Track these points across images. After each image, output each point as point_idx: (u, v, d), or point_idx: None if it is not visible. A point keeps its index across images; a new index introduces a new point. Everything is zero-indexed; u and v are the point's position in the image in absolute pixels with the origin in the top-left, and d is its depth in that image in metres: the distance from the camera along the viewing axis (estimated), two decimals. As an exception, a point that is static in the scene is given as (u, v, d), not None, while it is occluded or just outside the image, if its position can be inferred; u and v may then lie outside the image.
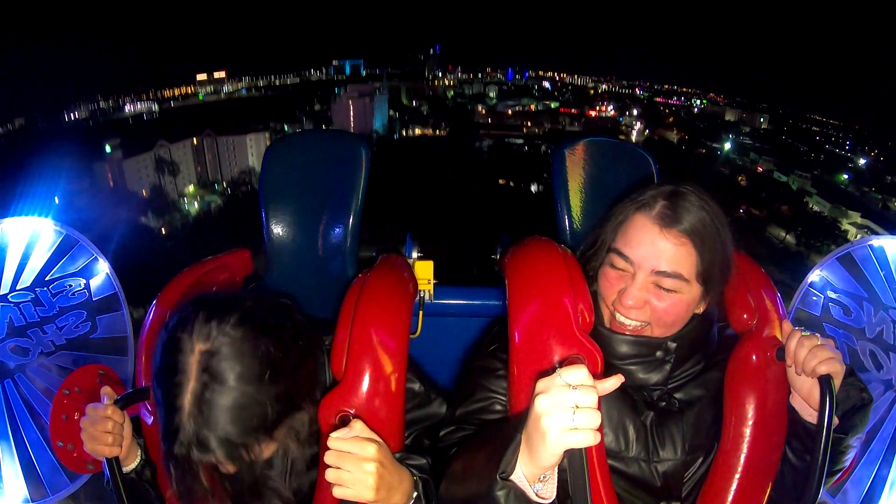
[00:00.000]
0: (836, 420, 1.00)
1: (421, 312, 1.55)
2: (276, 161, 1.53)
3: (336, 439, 0.89)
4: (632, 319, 1.03)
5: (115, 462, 1.07)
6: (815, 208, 45.66)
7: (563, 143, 1.46)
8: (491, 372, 1.10)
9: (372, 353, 1.02)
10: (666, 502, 1.07)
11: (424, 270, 1.59)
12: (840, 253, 1.51)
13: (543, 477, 0.80)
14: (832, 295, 1.49)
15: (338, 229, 1.45)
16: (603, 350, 1.04)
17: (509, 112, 74.88)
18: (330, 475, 0.88)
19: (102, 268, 1.60)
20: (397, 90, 79.92)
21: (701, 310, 1.07)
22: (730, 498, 1.03)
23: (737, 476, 1.03)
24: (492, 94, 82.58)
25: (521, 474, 0.80)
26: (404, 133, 67.46)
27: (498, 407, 1.08)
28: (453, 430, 1.08)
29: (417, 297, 1.38)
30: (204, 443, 0.87)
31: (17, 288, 1.53)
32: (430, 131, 67.76)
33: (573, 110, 74.57)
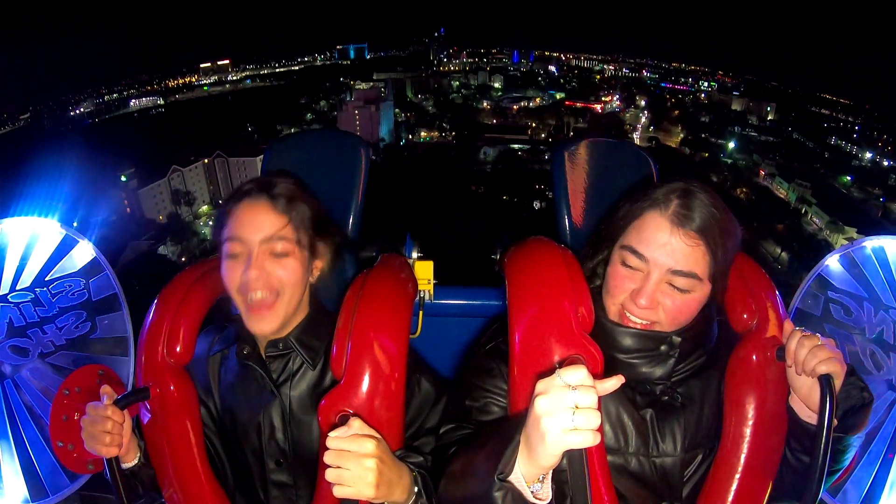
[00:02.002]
0: (835, 420, 0.99)
1: (421, 312, 1.56)
2: (276, 161, 1.53)
3: (334, 438, 0.89)
4: (643, 318, 1.03)
5: (114, 461, 1.07)
6: (815, 220, 45.47)
7: (563, 144, 1.46)
8: (487, 371, 1.10)
9: (372, 352, 1.02)
10: (668, 502, 1.07)
11: (424, 270, 1.59)
12: (840, 252, 1.51)
13: (541, 478, 0.80)
14: (832, 295, 1.49)
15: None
16: (607, 343, 1.04)
17: (514, 108, 74.28)
18: (330, 475, 0.88)
19: (102, 268, 1.60)
20: (402, 83, 79.76)
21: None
22: (730, 498, 1.03)
23: (737, 476, 1.03)
24: (497, 85, 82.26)
25: (520, 475, 0.80)
26: (411, 137, 67.17)
27: (495, 407, 1.08)
28: (452, 429, 1.08)
29: (417, 297, 1.38)
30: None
31: (17, 288, 1.53)
32: (436, 134, 67.44)
33: (578, 104, 73.59)
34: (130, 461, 1.17)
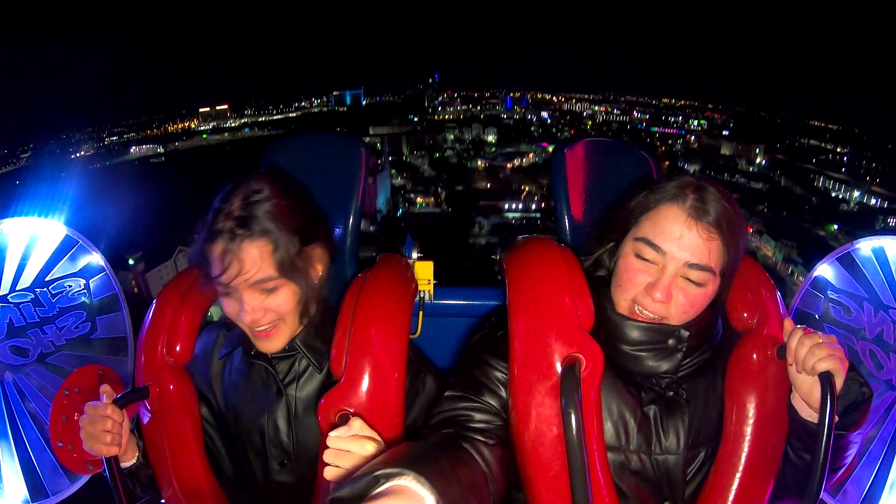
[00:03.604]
0: (836, 417, 1.00)
1: (421, 312, 1.55)
2: (276, 161, 1.53)
3: (335, 437, 0.89)
4: (656, 313, 1.03)
5: (114, 461, 1.08)
6: (800, 279, 45.72)
7: (563, 144, 1.46)
8: (492, 349, 1.09)
9: (372, 352, 1.02)
10: (670, 501, 1.07)
11: (424, 270, 1.59)
12: (840, 253, 1.51)
13: None
14: (832, 295, 1.49)
15: (337, 229, 1.45)
16: (614, 335, 1.04)
17: (508, 167, 75.39)
18: (328, 473, 0.88)
19: (102, 268, 1.60)
20: (398, 140, 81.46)
21: None
22: (731, 497, 1.03)
23: (738, 475, 1.03)
24: (491, 139, 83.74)
25: None
26: (407, 206, 67.38)
27: (499, 382, 1.05)
28: (456, 397, 1.05)
29: (417, 297, 1.38)
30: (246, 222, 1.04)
31: (17, 288, 1.53)
32: (431, 200, 67.81)
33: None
34: (129, 461, 1.18)
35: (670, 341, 1.04)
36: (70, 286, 1.57)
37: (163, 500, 1.22)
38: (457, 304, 1.70)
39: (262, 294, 1.08)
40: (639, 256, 1.03)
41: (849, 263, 1.49)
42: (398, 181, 70.82)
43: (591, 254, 1.15)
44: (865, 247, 1.49)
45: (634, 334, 1.04)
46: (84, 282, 1.58)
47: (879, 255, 1.47)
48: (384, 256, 1.27)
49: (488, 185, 70.85)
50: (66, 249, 1.58)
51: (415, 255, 1.57)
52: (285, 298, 1.10)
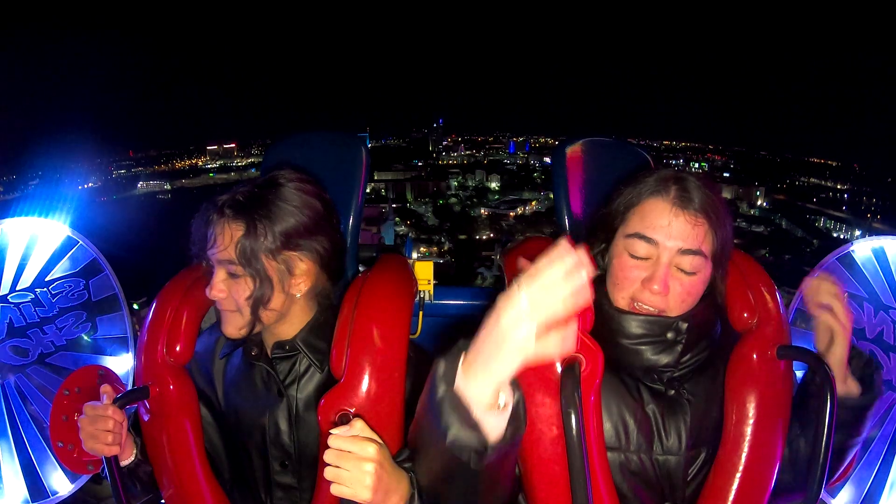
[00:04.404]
0: (856, 393, 1.04)
1: (421, 313, 1.55)
2: (276, 161, 1.53)
3: (336, 437, 0.89)
4: (655, 306, 1.03)
5: (114, 461, 1.08)
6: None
7: (563, 143, 1.46)
8: None
9: (372, 352, 1.02)
10: (670, 502, 1.07)
11: (424, 271, 1.59)
12: (840, 253, 1.51)
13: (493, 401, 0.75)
14: (832, 295, 1.49)
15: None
16: (613, 330, 1.04)
17: (511, 215, 75.50)
18: (328, 473, 0.88)
19: (102, 268, 1.60)
20: (403, 187, 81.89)
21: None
22: (731, 497, 1.02)
23: (738, 475, 1.03)
24: (494, 186, 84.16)
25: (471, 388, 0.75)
26: (413, 257, 67.19)
27: None
28: None
29: (417, 298, 1.38)
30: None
31: (17, 288, 1.53)
32: (435, 249, 67.49)
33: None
34: (127, 458, 1.17)
35: (669, 334, 1.04)
36: (70, 286, 1.57)
37: (163, 501, 1.22)
38: (457, 304, 1.70)
39: (226, 276, 1.11)
40: (632, 254, 1.04)
41: (849, 263, 1.49)
42: (402, 229, 70.74)
43: None
44: (865, 247, 1.49)
45: (633, 328, 1.04)
46: (84, 282, 1.58)
47: (879, 255, 1.47)
48: (384, 256, 1.27)
49: (491, 235, 70.58)
50: (66, 249, 1.58)
51: (415, 255, 1.57)
52: (240, 289, 1.10)
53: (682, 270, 1.02)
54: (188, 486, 1.16)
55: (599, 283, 1.11)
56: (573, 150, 1.41)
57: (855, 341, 1.44)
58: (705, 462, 1.08)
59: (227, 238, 1.09)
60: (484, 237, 70.23)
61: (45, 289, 1.55)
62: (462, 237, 70.02)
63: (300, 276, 1.14)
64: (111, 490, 1.08)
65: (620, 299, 1.06)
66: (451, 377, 0.76)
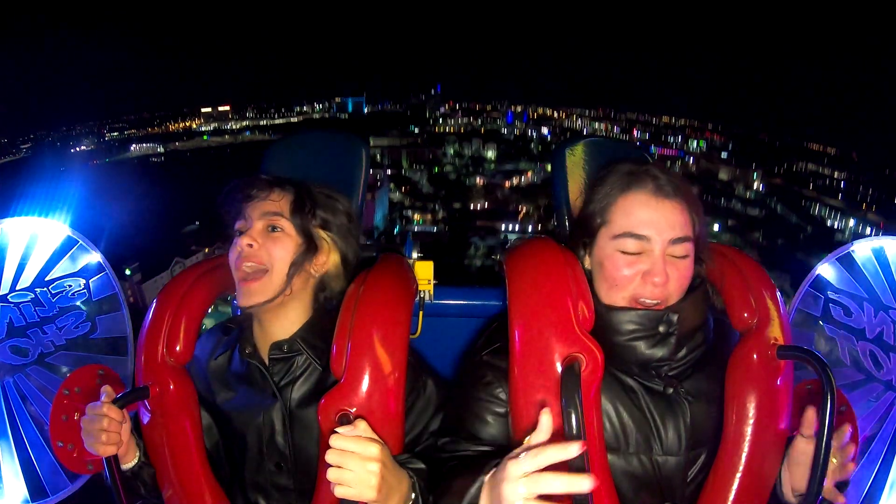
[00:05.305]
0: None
1: (421, 312, 1.55)
2: (276, 161, 1.53)
3: (339, 437, 0.89)
4: (657, 298, 1.04)
5: (114, 461, 1.07)
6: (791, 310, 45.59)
7: (563, 144, 1.46)
8: (483, 381, 1.10)
9: (372, 352, 1.02)
10: (670, 503, 1.07)
11: (424, 270, 1.59)
12: (840, 253, 1.51)
13: None
14: (832, 295, 1.49)
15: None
16: (606, 329, 1.05)
17: (506, 185, 74.80)
18: (332, 474, 0.88)
19: (102, 268, 1.60)
20: (398, 153, 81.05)
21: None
22: (731, 498, 1.02)
23: (738, 475, 1.03)
24: (490, 155, 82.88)
25: None
26: (404, 224, 67.28)
27: (491, 418, 1.08)
28: (449, 442, 1.09)
29: (417, 298, 1.38)
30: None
31: (17, 288, 1.53)
32: (429, 217, 67.49)
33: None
34: (130, 461, 1.17)
35: (661, 327, 1.04)
36: (70, 286, 1.56)
37: (162, 501, 1.21)
38: (457, 304, 1.70)
39: (266, 230, 1.16)
40: (623, 252, 1.05)
41: (849, 263, 1.49)
42: (396, 196, 70.50)
43: None
44: (865, 247, 1.49)
45: (625, 324, 1.05)
46: (84, 281, 1.57)
47: (879, 255, 1.47)
48: (384, 256, 1.27)
49: (486, 204, 70.42)
50: (66, 249, 1.57)
51: (415, 255, 1.57)
52: (282, 245, 1.15)
53: (674, 257, 1.04)
54: (188, 486, 1.16)
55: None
56: (573, 150, 1.41)
57: (855, 343, 1.45)
58: (705, 462, 1.08)
59: (279, 195, 1.18)
60: (479, 206, 69.96)
61: (45, 288, 1.54)
62: (457, 206, 69.87)
63: (327, 251, 1.21)
64: (112, 491, 1.08)
65: (620, 299, 1.06)
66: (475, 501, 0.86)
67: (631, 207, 1.05)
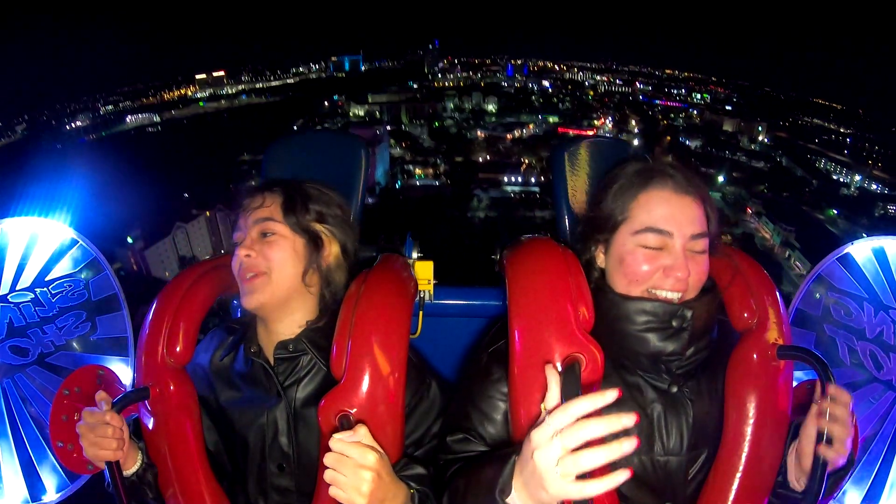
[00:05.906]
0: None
1: (421, 312, 1.55)
2: (276, 161, 1.53)
3: (338, 440, 0.90)
4: (678, 290, 1.04)
5: (115, 466, 1.07)
6: (797, 265, 45.11)
7: (563, 144, 1.46)
8: (489, 376, 1.10)
9: (372, 352, 1.02)
10: (671, 503, 1.07)
11: (424, 270, 1.59)
12: (840, 253, 1.51)
13: None
14: (832, 295, 1.49)
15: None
16: (620, 319, 1.05)
17: (508, 137, 74.30)
18: (327, 475, 0.89)
19: (102, 268, 1.60)
20: (397, 108, 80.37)
21: None
22: (731, 497, 1.03)
23: (738, 475, 1.03)
24: (491, 108, 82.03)
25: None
26: (406, 178, 66.84)
27: (498, 415, 1.08)
28: (459, 440, 1.09)
29: (417, 297, 1.38)
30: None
31: (17, 288, 1.53)
32: (430, 171, 67.05)
33: (571, 131, 73.16)
34: (132, 467, 1.16)
35: (674, 322, 1.04)
36: (70, 286, 1.56)
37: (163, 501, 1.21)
38: (457, 304, 1.70)
39: (260, 237, 1.18)
40: (644, 247, 1.05)
41: (849, 264, 1.49)
42: (397, 151, 69.54)
43: (581, 257, 1.16)
44: (865, 247, 1.49)
45: (639, 314, 1.05)
46: (84, 281, 1.57)
47: (879, 255, 1.47)
48: (384, 256, 1.27)
49: (488, 157, 69.69)
50: (66, 249, 1.57)
51: (415, 255, 1.57)
52: (279, 248, 1.17)
53: (694, 252, 1.05)
54: (188, 486, 1.16)
55: (600, 278, 1.12)
56: (573, 150, 1.42)
57: (855, 343, 1.45)
58: (706, 462, 1.08)
59: (270, 200, 1.20)
60: (480, 159, 69.53)
61: (45, 288, 1.54)
62: (458, 159, 69.50)
63: (330, 244, 1.23)
64: (113, 497, 1.08)
65: (637, 292, 1.07)
66: (506, 487, 0.83)
67: (652, 203, 1.06)
